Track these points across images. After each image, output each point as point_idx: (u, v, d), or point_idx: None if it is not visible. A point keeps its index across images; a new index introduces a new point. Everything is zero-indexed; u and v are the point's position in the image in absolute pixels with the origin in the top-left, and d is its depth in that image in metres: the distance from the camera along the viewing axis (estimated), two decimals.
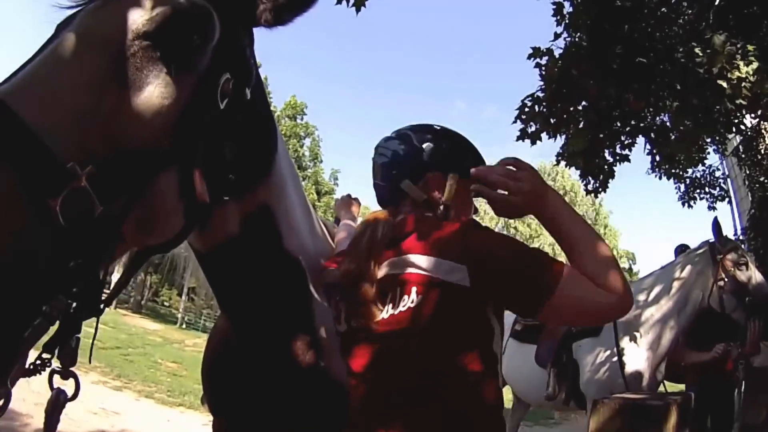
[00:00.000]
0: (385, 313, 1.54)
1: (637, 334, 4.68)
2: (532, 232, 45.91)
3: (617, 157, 6.73)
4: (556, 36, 6.06)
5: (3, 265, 0.88)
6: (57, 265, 0.96)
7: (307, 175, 36.29)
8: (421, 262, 1.50)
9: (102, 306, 1.09)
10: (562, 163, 6.75)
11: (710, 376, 5.18)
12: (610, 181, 6.77)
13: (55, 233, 0.93)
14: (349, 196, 2.72)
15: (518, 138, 6.23)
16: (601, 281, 1.39)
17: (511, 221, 45.47)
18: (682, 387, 6.00)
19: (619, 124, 6.45)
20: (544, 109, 6.06)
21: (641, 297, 4.89)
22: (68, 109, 1.00)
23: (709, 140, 9.84)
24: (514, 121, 6.19)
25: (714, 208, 10.63)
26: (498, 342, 1.54)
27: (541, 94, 6.09)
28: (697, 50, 4.89)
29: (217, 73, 1.27)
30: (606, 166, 6.67)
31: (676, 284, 4.76)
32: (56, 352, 1.03)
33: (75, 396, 1.07)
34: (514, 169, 1.55)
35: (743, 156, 11.21)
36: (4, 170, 0.90)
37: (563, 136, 6.43)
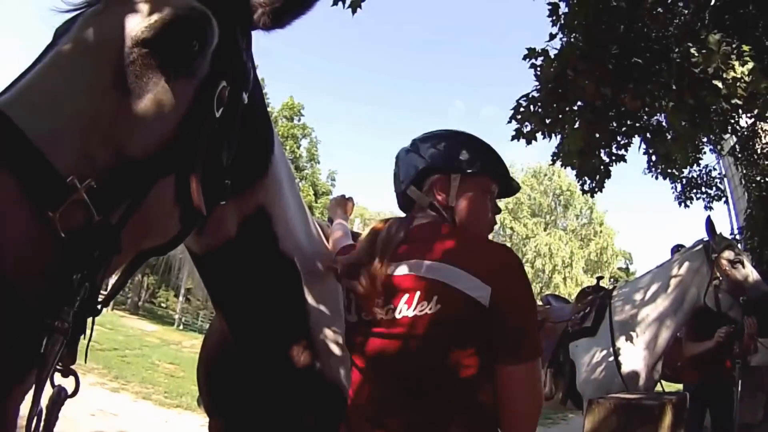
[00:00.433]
0: (398, 312, 1.56)
1: (634, 334, 4.69)
2: (528, 232, 45.94)
3: (613, 157, 6.75)
4: (552, 36, 6.07)
5: (9, 280, 0.87)
6: (59, 277, 0.95)
7: (305, 175, 36.21)
8: (450, 273, 1.52)
9: (99, 308, 1.08)
10: (558, 163, 6.74)
11: (710, 374, 5.20)
12: (606, 181, 6.79)
13: (56, 245, 0.93)
14: (343, 196, 2.75)
15: (513, 138, 6.24)
16: None
17: (507, 221, 45.53)
18: (679, 386, 6.03)
19: (615, 124, 6.46)
20: (540, 110, 6.06)
21: (638, 296, 4.90)
22: (68, 120, 1.00)
23: (705, 140, 9.90)
24: (509, 121, 6.20)
25: (711, 208, 10.61)
26: None
27: (536, 94, 6.10)
28: (692, 50, 4.90)
29: (216, 78, 1.27)
30: (602, 167, 6.69)
31: (672, 283, 4.77)
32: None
33: (75, 393, 1.06)
34: None
35: (740, 155, 11.23)
36: (7, 182, 0.89)
37: (558, 136, 6.45)
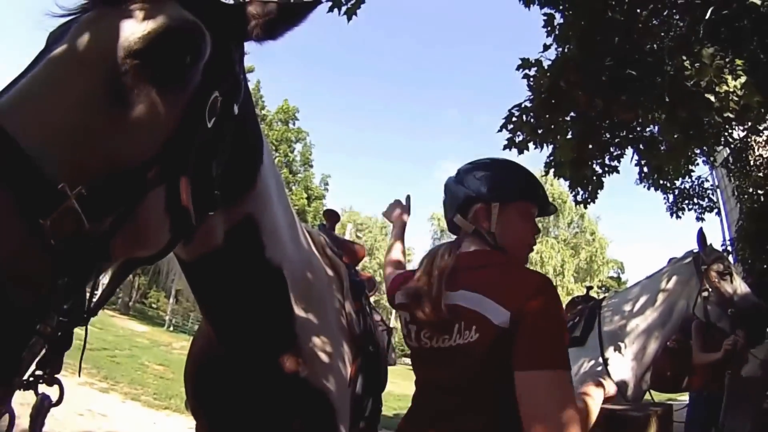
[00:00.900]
0: (452, 340, 1.71)
1: (622, 344, 4.70)
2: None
3: (606, 168, 6.80)
4: (546, 47, 6.10)
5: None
6: (47, 284, 0.96)
7: (297, 180, 36.17)
8: (485, 304, 1.65)
9: (87, 316, 1.10)
10: (551, 173, 6.77)
11: (716, 383, 5.24)
12: (599, 192, 6.84)
13: (46, 252, 0.94)
14: (399, 201, 2.97)
15: (505, 147, 6.26)
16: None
17: None
18: (669, 396, 6.05)
19: (608, 136, 6.51)
20: (532, 120, 6.09)
21: (627, 307, 4.92)
22: (60, 129, 1.00)
23: (698, 152, 9.93)
24: (500, 130, 6.23)
25: (702, 219, 10.64)
26: None
27: (528, 104, 6.12)
28: (686, 63, 4.93)
29: (209, 89, 1.28)
30: (595, 177, 6.73)
31: (661, 295, 4.78)
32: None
33: (59, 402, 1.08)
34: None
35: (732, 167, 11.27)
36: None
37: (551, 147, 6.47)
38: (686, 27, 5.73)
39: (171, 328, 32.11)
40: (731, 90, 4.74)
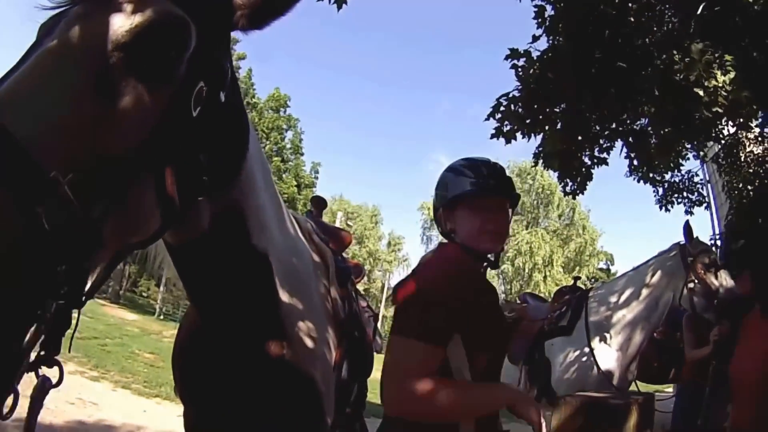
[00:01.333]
0: None
1: (608, 335, 4.76)
2: (510, 230, 46.11)
3: (595, 160, 6.82)
4: (535, 38, 6.08)
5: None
6: (45, 270, 0.99)
7: (288, 167, 35.99)
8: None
9: (84, 299, 1.13)
10: (540, 164, 6.80)
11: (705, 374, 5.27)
12: (588, 183, 6.87)
13: (42, 238, 0.97)
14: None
15: (493, 136, 6.23)
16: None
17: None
18: (656, 387, 6.09)
19: (597, 128, 6.51)
20: (520, 110, 6.09)
21: (613, 298, 4.98)
22: (52, 120, 1.04)
23: (689, 146, 9.94)
24: (487, 119, 6.20)
25: (691, 213, 10.64)
26: None
27: (517, 94, 6.12)
28: (675, 57, 4.96)
29: (194, 79, 1.31)
30: (584, 169, 6.76)
31: (646, 287, 4.84)
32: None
33: (59, 383, 1.12)
34: None
35: (723, 163, 11.29)
36: None
37: (538, 137, 6.47)
38: (678, 22, 5.74)
39: (161, 317, 31.95)
40: (720, 85, 4.76)
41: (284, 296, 1.98)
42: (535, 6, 6.12)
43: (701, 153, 10.66)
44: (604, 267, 47.94)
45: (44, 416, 6.23)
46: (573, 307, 5.12)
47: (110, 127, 1.11)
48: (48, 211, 0.96)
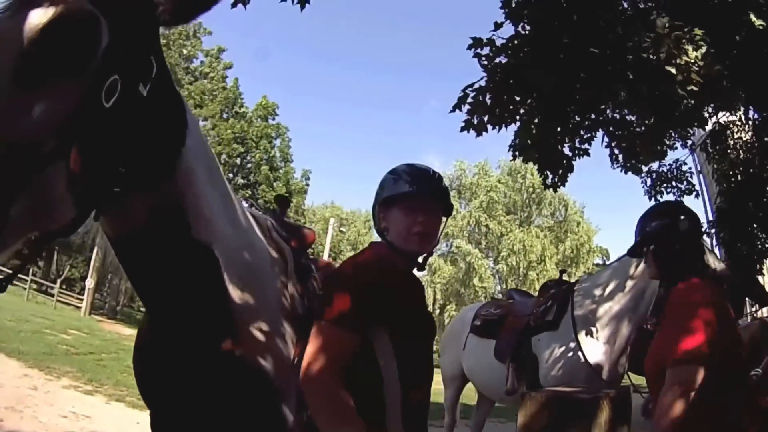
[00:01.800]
0: None
1: (594, 329, 4.67)
2: (503, 229, 46.07)
3: (577, 151, 6.73)
4: (497, 25, 5.86)
5: None
6: None
7: (278, 176, 36.02)
8: None
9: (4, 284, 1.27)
10: (518, 157, 6.64)
11: None
12: (569, 175, 6.76)
13: None
14: None
15: (462, 129, 6.06)
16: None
17: (483, 219, 45.76)
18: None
19: (577, 118, 6.42)
20: (489, 101, 5.91)
21: (597, 292, 4.87)
22: None
23: (675, 135, 9.89)
24: (452, 110, 6.00)
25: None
26: None
27: (483, 84, 5.92)
28: (647, 38, 4.83)
29: (107, 72, 1.34)
30: (564, 161, 6.65)
31: (631, 279, 4.74)
32: None
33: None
34: None
35: (711, 150, 11.26)
36: None
37: (509, 128, 6.31)
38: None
39: None
40: (692, 61, 4.65)
41: (234, 291, 1.96)
42: None
43: (689, 142, 10.63)
44: (600, 263, 47.72)
45: (36, 429, 6.24)
46: (558, 301, 5.02)
47: (23, 116, 1.18)
48: None
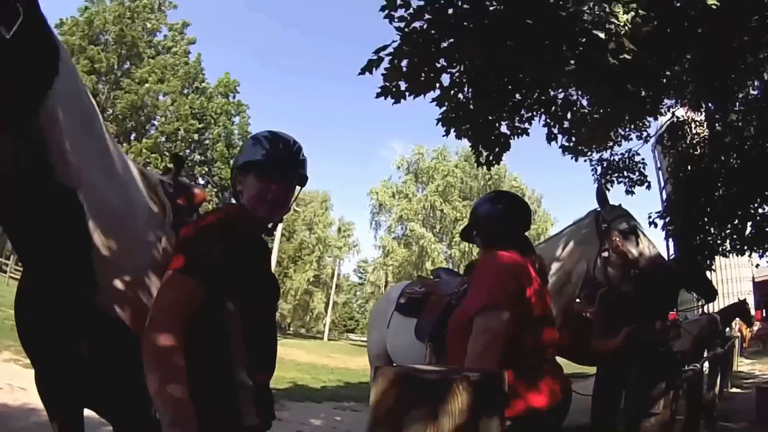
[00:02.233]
0: None
1: None
2: (458, 215, 46.28)
3: (516, 130, 6.48)
4: None
5: None
6: None
7: (236, 153, 36.04)
8: None
9: None
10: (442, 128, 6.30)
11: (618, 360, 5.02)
12: (503, 153, 6.49)
13: None
14: None
15: (378, 95, 5.63)
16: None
17: (438, 204, 46.07)
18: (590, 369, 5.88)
19: (518, 96, 6.16)
20: (405, 67, 5.43)
21: None
22: None
23: (630, 126, 9.80)
24: (361, 73, 5.43)
25: (632, 192, 10.52)
26: None
27: (397, 47, 5.40)
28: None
29: None
30: (502, 138, 6.38)
31: (557, 261, 4.50)
32: None
33: None
34: None
35: (668, 144, 11.27)
36: None
37: (428, 96, 5.85)
38: None
39: None
40: (622, 24, 4.34)
41: (99, 239, 2.00)
42: None
43: (644, 133, 10.56)
44: None
45: None
46: None
47: None
48: None
